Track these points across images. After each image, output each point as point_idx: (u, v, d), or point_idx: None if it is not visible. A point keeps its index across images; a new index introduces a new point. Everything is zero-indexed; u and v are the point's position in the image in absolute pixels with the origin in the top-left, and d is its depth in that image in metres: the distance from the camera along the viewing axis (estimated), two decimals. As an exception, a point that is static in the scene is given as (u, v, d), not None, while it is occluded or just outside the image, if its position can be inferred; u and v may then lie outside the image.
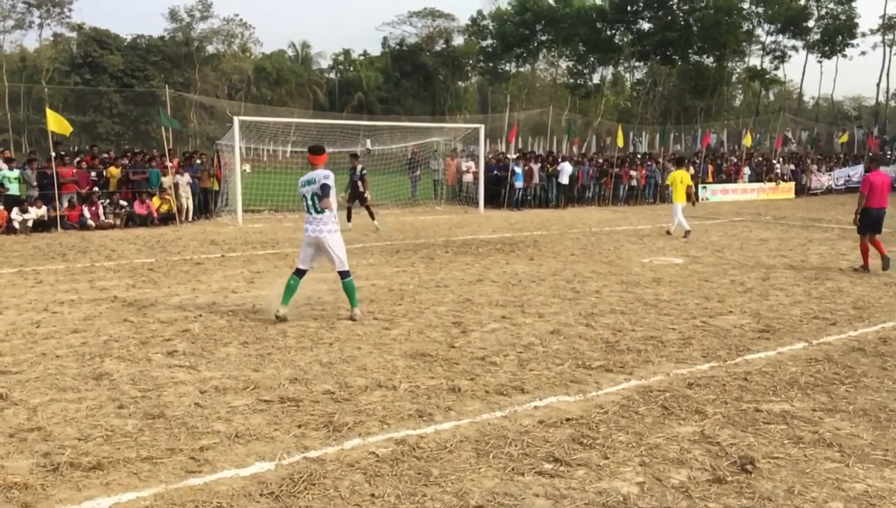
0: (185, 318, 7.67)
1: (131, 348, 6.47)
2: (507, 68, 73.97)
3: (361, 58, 79.34)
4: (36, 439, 4.40)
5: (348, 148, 24.59)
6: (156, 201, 18.33)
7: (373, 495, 3.71)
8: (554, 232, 16.85)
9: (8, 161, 17.57)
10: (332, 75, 78.78)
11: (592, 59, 68.54)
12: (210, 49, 73.58)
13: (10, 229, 16.13)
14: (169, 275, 10.47)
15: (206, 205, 20.30)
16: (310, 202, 7.40)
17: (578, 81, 70.66)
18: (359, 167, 17.28)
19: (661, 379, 5.67)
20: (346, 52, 79.39)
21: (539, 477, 3.93)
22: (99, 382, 5.49)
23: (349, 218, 17.18)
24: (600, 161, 27.78)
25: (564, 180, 24.05)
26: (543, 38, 69.63)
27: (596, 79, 71.46)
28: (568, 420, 4.79)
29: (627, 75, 74.06)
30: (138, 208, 17.95)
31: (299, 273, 7.61)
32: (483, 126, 22.76)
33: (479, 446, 4.35)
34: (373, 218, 17.02)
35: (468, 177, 23.92)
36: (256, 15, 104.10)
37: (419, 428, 4.63)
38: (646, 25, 64.38)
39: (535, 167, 24.16)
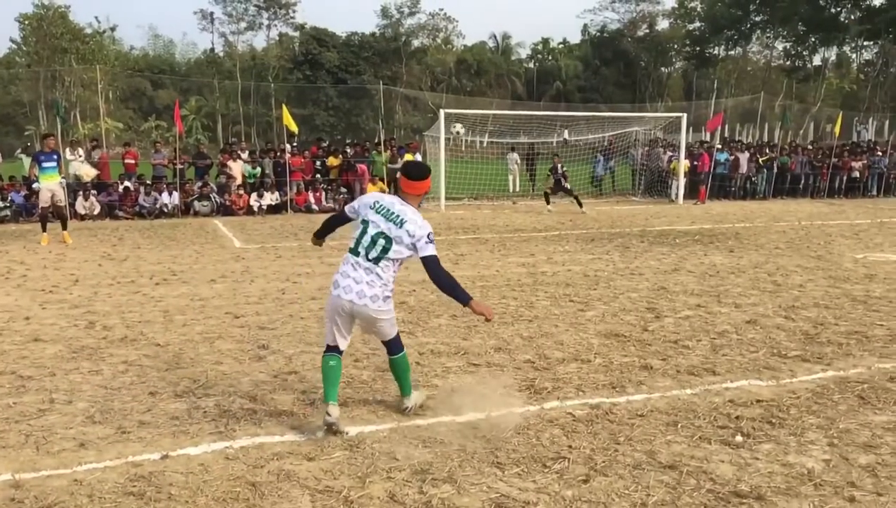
0: (401, 292, 8.63)
1: (359, 314, 7.49)
2: (716, 52, 70.37)
3: (560, 46, 79.27)
4: (294, 380, 5.41)
5: (545, 138, 25.13)
6: (370, 187, 20.03)
7: (570, 446, 4.25)
8: (758, 224, 16.26)
9: (251, 154, 20.18)
10: (531, 65, 79.43)
11: (813, 39, 63.30)
12: (416, 43, 77.09)
13: (249, 211, 18.49)
14: (384, 255, 11.63)
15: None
16: (372, 243, 4.37)
17: (796, 64, 65.63)
18: (559, 165, 19.00)
19: (862, 371, 5.65)
20: (545, 41, 79.66)
21: (726, 447, 4.25)
22: (336, 340, 6.50)
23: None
24: (821, 152, 25.81)
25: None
26: (758, 18, 65.41)
27: (817, 60, 66.00)
28: (758, 401, 5.00)
29: (854, 56, 67.63)
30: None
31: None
32: (686, 114, 22.23)
33: (669, 417, 4.72)
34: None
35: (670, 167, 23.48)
36: (460, 6, 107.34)
37: (612, 397, 5.09)
38: (877, 1, 58.33)
39: (743, 157, 23.19)
